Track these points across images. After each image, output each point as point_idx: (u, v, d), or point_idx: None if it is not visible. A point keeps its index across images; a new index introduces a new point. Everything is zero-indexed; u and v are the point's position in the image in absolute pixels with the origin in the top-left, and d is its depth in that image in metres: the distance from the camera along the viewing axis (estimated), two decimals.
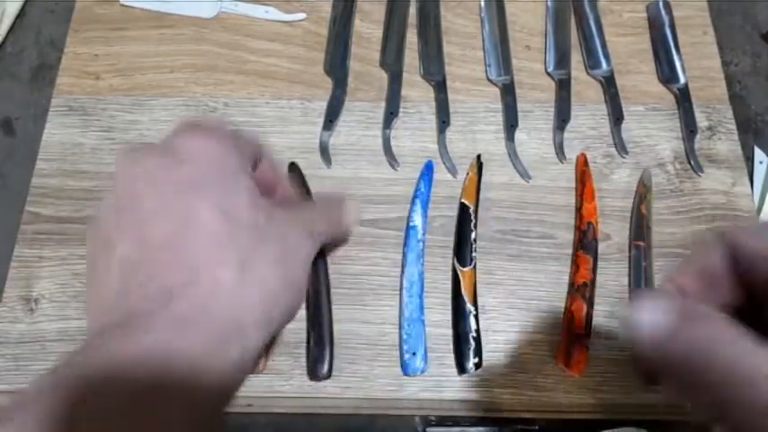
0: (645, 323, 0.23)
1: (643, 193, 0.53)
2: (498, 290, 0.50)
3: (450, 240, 0.52)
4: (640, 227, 0.52)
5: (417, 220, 0.51)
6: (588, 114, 0.58)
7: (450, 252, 0.51)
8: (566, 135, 0.57)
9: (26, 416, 0.20)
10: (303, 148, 0.56)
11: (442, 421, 0.48)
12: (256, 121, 0.57)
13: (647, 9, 0.64)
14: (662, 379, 0.25)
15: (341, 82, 0.58)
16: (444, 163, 0.55)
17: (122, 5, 0.62)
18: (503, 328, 0.49)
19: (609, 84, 0.59)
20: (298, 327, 0.48)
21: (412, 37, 0.62)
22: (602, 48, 0.61)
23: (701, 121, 0.57)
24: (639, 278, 0.50)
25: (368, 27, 0.62)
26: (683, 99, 0.58)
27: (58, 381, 0.21)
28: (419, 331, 0.48)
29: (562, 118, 0.57)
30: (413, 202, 0.53)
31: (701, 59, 0.61)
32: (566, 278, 0.51)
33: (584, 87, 0.60)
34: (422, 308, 0.48)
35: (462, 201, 0.53)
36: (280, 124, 0.57)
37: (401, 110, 0.57)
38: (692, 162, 0.55)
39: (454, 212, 0.53)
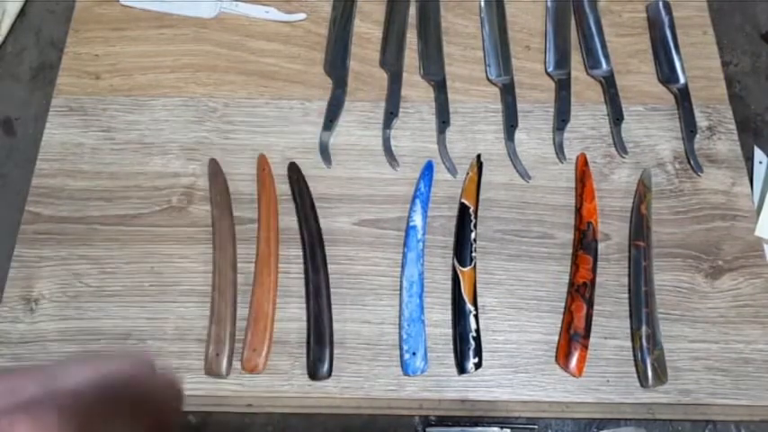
0: None
1: (643, 193, 0.53)
2: (498, 290, 0.50)
3: (450, 240, 0.52)
4: (640, 227, 0.52)
5: (417, 220, 0.51)
6: (588, 114, 0.58)
7: (450, 252, 0.51)
8: (566, 135, 0.57)
9: None
10: (303, 148, 0.56)
11: (442, 421, 0.48)
12: (256, 121, 0.57)
13: (647, 9, 0.64)
14: None
15: (341, 82, 0.58)
16: (444, 163, 0.55)
17: (122, 5, 0.62)
18: (503, 328, 0.49)
19: (609, 84, 0.59)
20: (298, 326, 0.48)
21: (412, 37, 0.62)
22: (602, 48, 0.61)
23: (701, 121, 0.57)
24: (639, 278, 0.50)
25: (368, 27, 0.62)
26: (683, 99, 0.58)
27: None
28: (419, 331, 0.47)
29: (562, 118, 0.57)
30: (413, 202, 0.53)
31: (700, 59, 0.61)
32: (566, 278, 0.51)
33: (584, 87, 0.60)
34: (422, 308, 0.48)
35: (462, 201, 0.53)
36: (280, 124, 0.57)
37: (401, 110, 0.57)
38: (692, 162, 0.55)
39: (454, 212, 0.53)
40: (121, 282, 0.50)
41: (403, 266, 0.50)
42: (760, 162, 0.58)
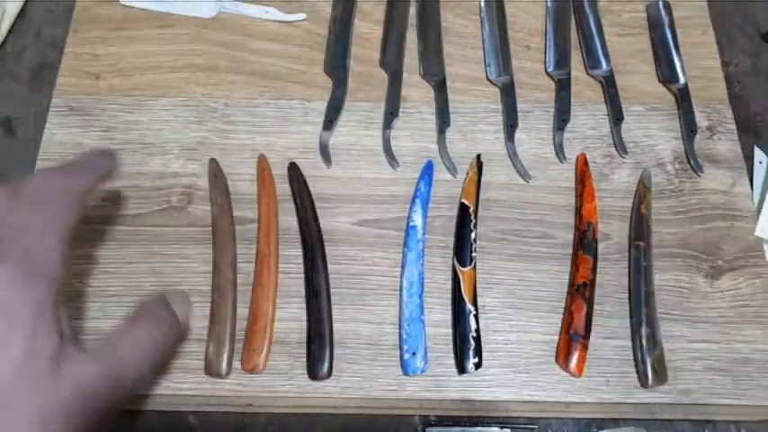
0: None
1: (643, 193, 0.53)
2: (498, 290, 0.50)
3: (450, 240, 0.52)
4: (640, 227, 0.52)
5: (417, 220, 0.51)
6: (588, 114, 0.58)
7: (450, 252, 0.51)
8: (566, 135, 0.57)
9: None
10: (303, 148, 0.56)
11: (442, 421, 0.48)
12: (256, 120, 0.57)
13: (647, 9, 0.64)
14: None
15: (341, 82, 0.58)
16: (444, 163, 0.55)
17: (122, 5, 0.62)
18: (503, 328, 0.49)
19: (609, 84, 0.59)
20: (298, 326, 0.48)
21: (412, 37, 0.62)
22: (602, 48, 0.61)
23: (701, 121, 0.57)
24: (639, 278, 0.50)
25: (368, 27, 0.62)
26: (683, 99, 0.58)
27: None
28: (419, 331, 0.48)
29: (562, 118, 0.57)
30: (413, 202, 0.53)
31: (700, 59, 0.61)
32: (566, 278, 0.51)
33: (584, 87, 0.60)
34: (422, 308, 0.48)
35: (462, 201, 0.53)
36: (280, 124, 0.57)
37: (401, 110, 0.57)
38: (692, 162, 0.55)
39: (454, 212, 0.53)
40: (121, 282, 0.50)
41: (403, 266, 0.50)
42: (760, 162, 0.58)
